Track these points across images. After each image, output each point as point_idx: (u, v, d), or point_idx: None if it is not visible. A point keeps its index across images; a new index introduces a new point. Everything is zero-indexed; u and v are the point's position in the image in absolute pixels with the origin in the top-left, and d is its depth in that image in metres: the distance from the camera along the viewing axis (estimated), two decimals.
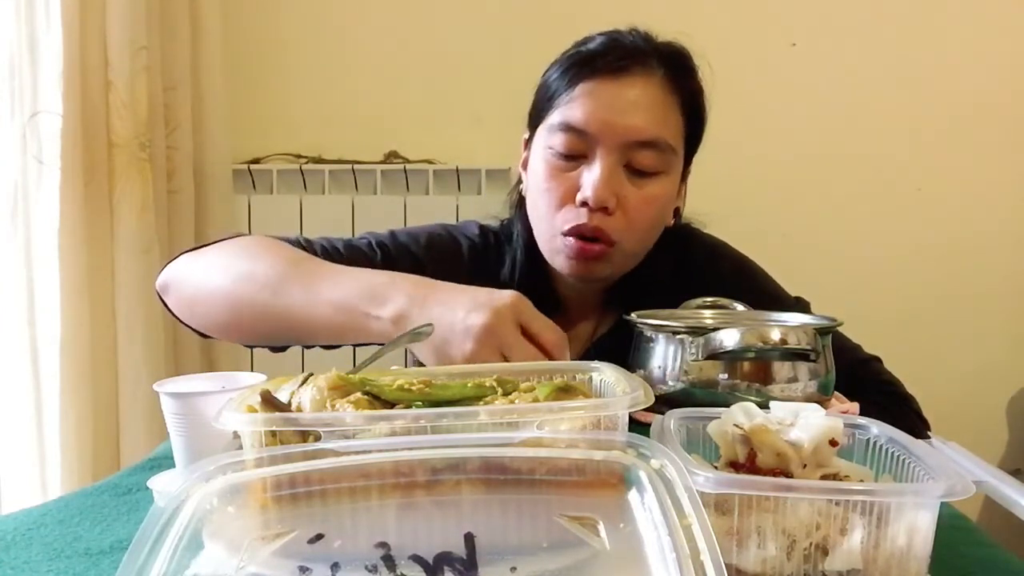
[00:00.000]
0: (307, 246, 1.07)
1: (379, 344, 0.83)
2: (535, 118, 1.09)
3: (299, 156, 2.04)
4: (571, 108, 1.02)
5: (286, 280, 0.92)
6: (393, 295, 0.85)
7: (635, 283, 1.10)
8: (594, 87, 1.01)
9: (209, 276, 0.99)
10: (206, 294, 0.98)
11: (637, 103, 1.01)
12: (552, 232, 1.04)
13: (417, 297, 0.84)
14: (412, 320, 0.82)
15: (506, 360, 0.78)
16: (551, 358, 0.79)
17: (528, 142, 1.12)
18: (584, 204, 1.00)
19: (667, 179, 1.04)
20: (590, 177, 1.00)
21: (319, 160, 2.04)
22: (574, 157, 1.02)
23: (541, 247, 1.08)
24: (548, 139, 1.04)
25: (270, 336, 0.98)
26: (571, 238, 1.02)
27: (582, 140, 1.01)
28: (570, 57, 1.06)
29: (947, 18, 2.07)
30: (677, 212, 1.13)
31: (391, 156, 2.05)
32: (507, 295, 0.82)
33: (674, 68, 1.04)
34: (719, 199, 1.95)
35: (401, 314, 0.83)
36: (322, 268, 0.94)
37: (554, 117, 1.03)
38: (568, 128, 1.01)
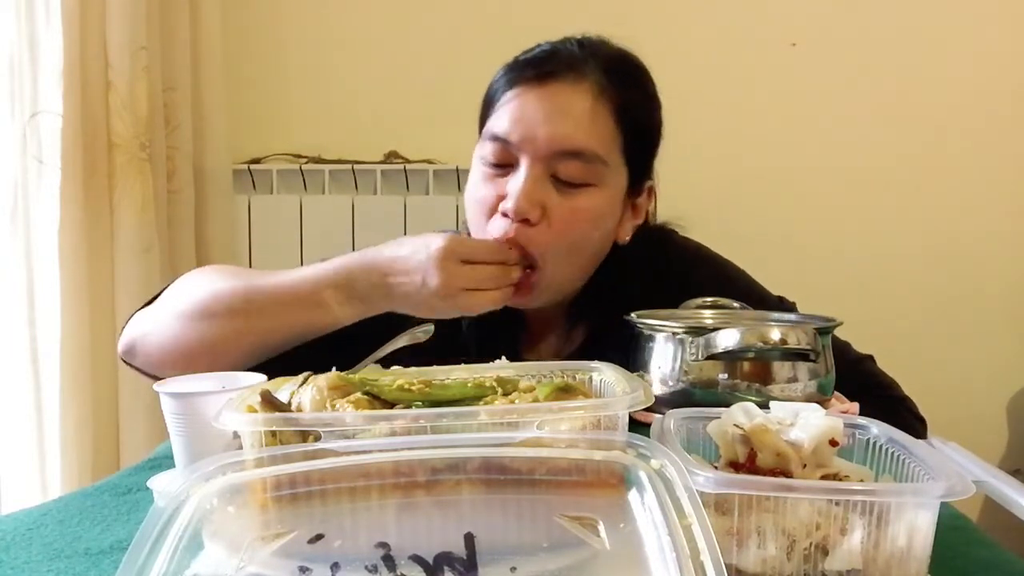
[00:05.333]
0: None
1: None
2: (480, 126, 1.07)
3: (299, 156, 2.04)
4: (498, 117, 0.99)
5: (247, 292, 0.97)
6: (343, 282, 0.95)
7: (603, 295, 1.06)
8: (519, 94, 0.98)
9: (172, 324, 0.97)
10: (176, 340, 0.97)
11: (560, 111, 0.97)
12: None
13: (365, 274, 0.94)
14: (362, 284, 0.92)
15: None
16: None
17: None
18: (506, 214, 0.97)
19: (597, 192, 0.98)
20: (513, 186, 0.97)
21: (319, 160, 2.04)
22: (503, 167, 0.99)
23: None
24: (480, 149, 1.02)
25: (248, 354, 0.96)
26: None
27: (507, 150, 0.98)
28: (507, 65, 1.04)
29: (947, 18, 2.07)
30: (647, 220, 1.09)
31: (391, 156, 2.05)
32: (437, 245, 0.90)
33: (610, 74, 0.99)
34: (719, 199, 1.98)
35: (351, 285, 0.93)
36: (273, 272, 1.00)
37: (487, 126, 1.01)
38: (495, 138, 0.99)
